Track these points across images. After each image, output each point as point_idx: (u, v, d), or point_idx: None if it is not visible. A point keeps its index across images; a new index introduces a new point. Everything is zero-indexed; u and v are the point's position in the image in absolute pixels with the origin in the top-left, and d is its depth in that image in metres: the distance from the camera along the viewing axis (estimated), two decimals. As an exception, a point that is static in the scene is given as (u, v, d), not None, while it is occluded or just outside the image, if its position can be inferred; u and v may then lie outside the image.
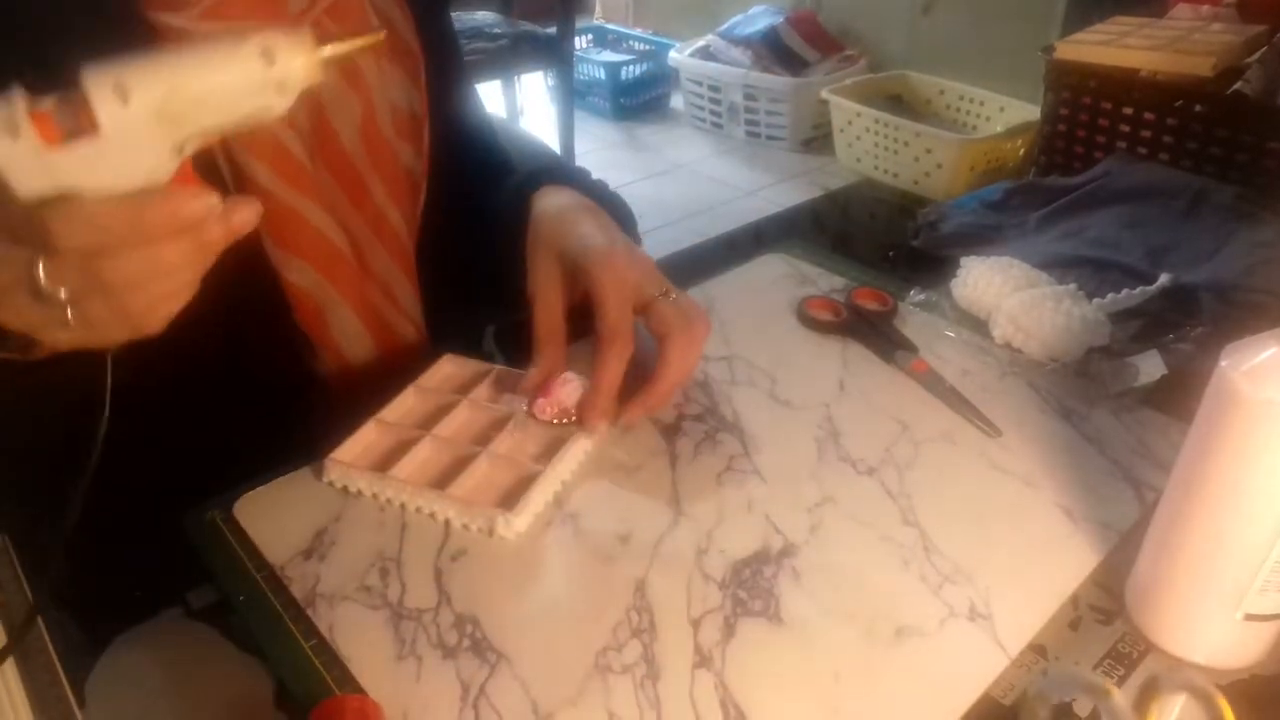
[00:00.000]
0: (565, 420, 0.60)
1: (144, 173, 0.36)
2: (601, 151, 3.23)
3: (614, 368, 0.58)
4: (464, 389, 0.64)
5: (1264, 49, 0.94)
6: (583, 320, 0.62)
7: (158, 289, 0.39)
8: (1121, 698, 0.37)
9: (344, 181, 0.66)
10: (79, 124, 0.34)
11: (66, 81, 0.35)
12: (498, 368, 0.66)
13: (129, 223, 0.36)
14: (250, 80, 0.37)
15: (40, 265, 0.37)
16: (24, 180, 0.34)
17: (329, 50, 0.39)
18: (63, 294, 0.37)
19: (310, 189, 0.62)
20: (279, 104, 0.38)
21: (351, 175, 0.67)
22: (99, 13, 0.54)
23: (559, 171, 0.70)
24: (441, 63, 0.73)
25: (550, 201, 0.65)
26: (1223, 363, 0.42)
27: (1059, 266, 0.79)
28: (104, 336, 0.40)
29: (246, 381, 0.64)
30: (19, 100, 0.34)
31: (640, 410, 0.60)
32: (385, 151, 0.68)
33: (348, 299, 0.66)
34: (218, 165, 0.60)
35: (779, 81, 2.98)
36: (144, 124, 0.35)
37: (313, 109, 0.64)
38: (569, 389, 0.60)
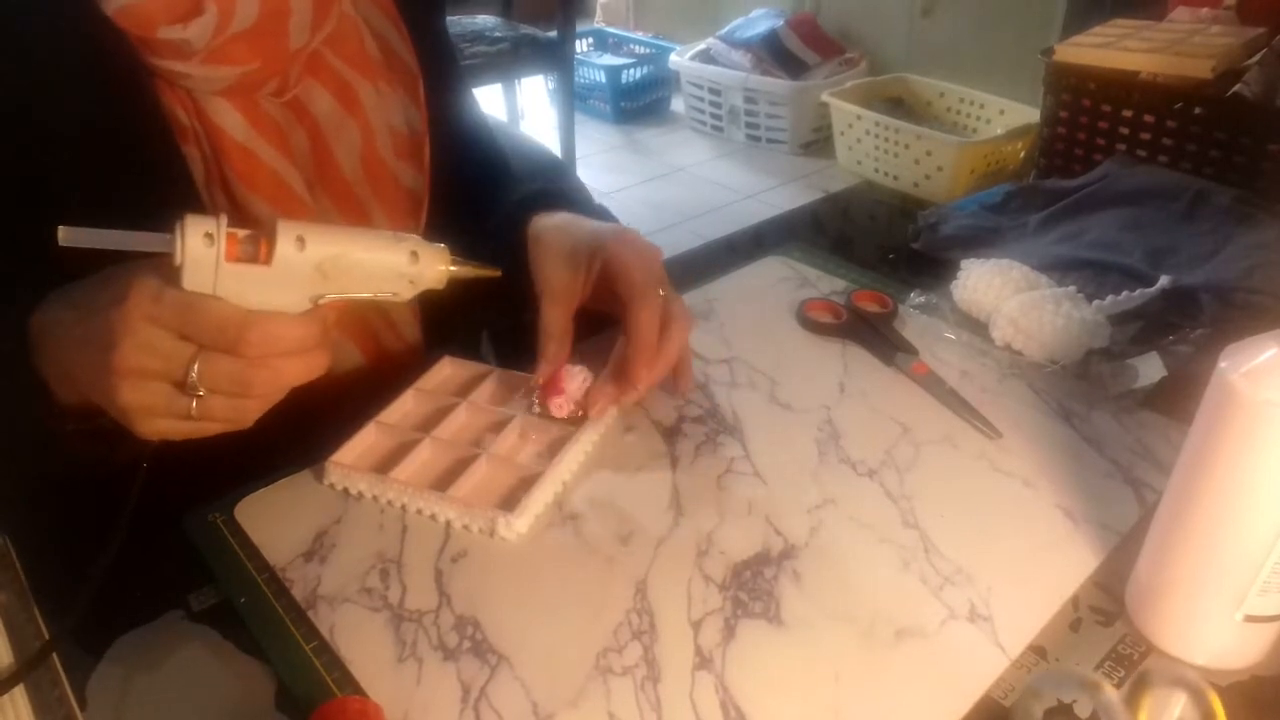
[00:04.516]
0: (580, 413, 0.61)
1: (281, 306, 0.44)
2: (602, 155, 3.24)
3: (647, 323, 0.59)
4: (463, 391, 0.64)
5: (1263, 51, 0.94)
6: (587, 321, 0.63)
7: (264, 397, 0.46)
8: (1114, 693, 0.37)
9: (345, 210, 0.67)
10: (257, 253, 0.42)
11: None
12: (497, 369, 0.66)
13: (247, 326, 0.43)
14: (395, 268, 0.46)
15: (198, 360, 0.43)
16: (194, 276, 0.42)
17: (455, 268, 0.48)
18: (202, 390, 0.44)
19: (309, 220, 0.63)
20: (405, 293, 0.47)
21: (352, 203, 0.67)
22: (101, 61, 0.55)
23: (557, 196, 0.71)
24: (439, 72, 0.73)
25: (549, 217, 0.66)
26: (1222, 364, 0.42)
27: (1059, 269, 0.79)
28: (203, 429, 0.46)
29: None
30: (223, 219, 0.42)
31: (646, 383, 0.61)
32: (385, 176, 0.69)
33: (344, 329, 0.66)
34: (217, 201, 0.60)
35: (779, 84, 2.98)
36: (304, 271, 0.43)
37: (314, 138, 0.65)
38: (579, 383, 0.61)
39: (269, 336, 0.43)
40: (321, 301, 0.45)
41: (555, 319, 0.62)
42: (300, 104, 0.64)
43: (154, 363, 0.43)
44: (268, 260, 0.42)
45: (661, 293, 0.60)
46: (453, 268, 0.48)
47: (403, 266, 0.46)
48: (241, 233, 0.42)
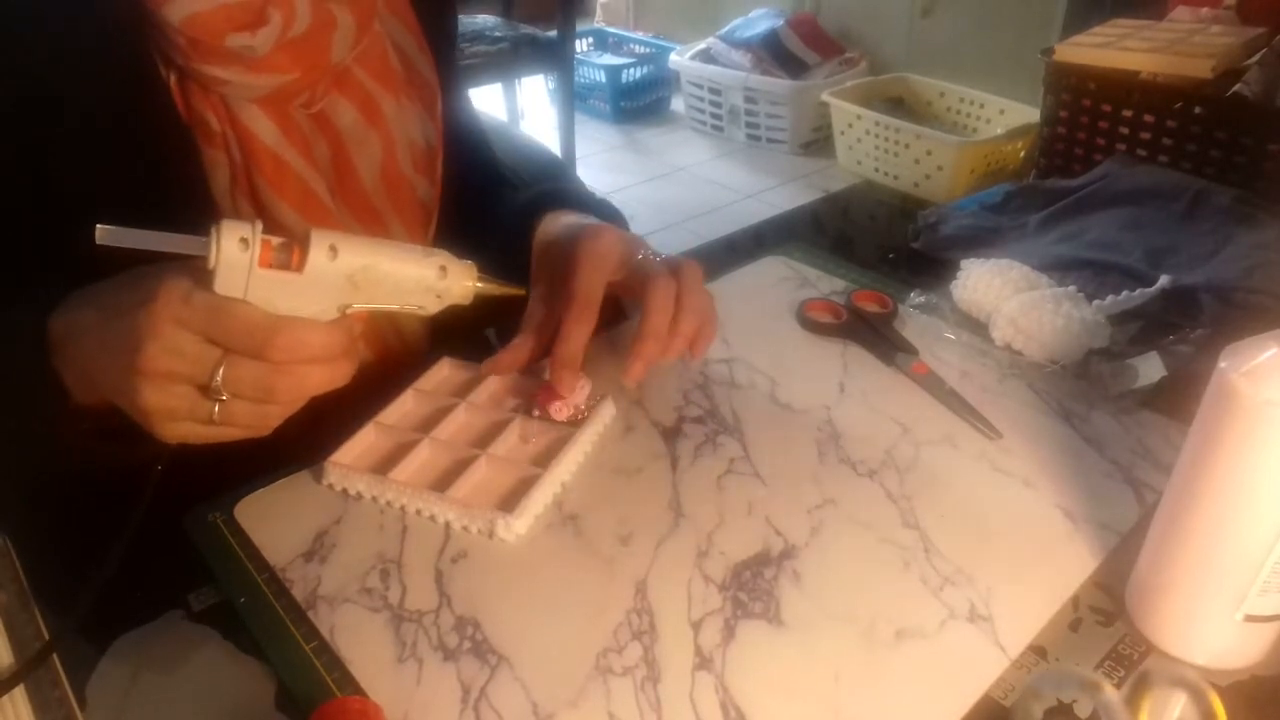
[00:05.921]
0: (579, 417, 0.61)
1: (309, 314, 0.44)
2: (602, 154, 3.24)
3: (574, 335, 0.59)
4: (462, 391, 0.64)
5: (1263, 51, 0.94)
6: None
7: (287, 404, 0.46)
8: (1114, 692, 0.37)
9: (364, 221, 0.67)
10: (289, 260, 0.43)
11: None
12: (497, 370, 0.66)
13: (275, 331, 0.43)
14: (424, 282, 0.46)
15: (223, 365, 0.43)
16: (227, 280, 0.42)
17: (482, 285, 0.49)
18: (225, 394, 0.44)
19: (333, 229, 0.63)
20: (431, 307, 0.47)
21: (371, 214, 0.68)
22: (121, 61, 0.55)
23: (563, 195, 0.71)
24: (452, 82, 0.74)
25: (554, 219, 0.67)
26: (1222, 364, 0.42)
27: (1059, 268, 0.79)
28: (224, 434, 0.46)
29: None
30: (258, 225, 0.42)
31: (638, 362, 0.58)
32: (403, 187, 0.69)
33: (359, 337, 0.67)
34: (240, 206, 0.61)
35: (779, 84, 2.99)
36: (335, 280, 0.44)
37: (335, 150, 0.65)
38: (578, 388, 0.61)
39: (296, 342, 0.43)
40: (349, 311, 0.45)
41: (531, 314, 0.64)
42: (325, 116, 0.64)
43: (179, 365, 0.43)
44: (300, 268, 0.43)
45: (650, 257, 0.61)
46: (479, 284, 0.48)
47: (431, 281, 0.46)
48: (275, 240, 0.43)
